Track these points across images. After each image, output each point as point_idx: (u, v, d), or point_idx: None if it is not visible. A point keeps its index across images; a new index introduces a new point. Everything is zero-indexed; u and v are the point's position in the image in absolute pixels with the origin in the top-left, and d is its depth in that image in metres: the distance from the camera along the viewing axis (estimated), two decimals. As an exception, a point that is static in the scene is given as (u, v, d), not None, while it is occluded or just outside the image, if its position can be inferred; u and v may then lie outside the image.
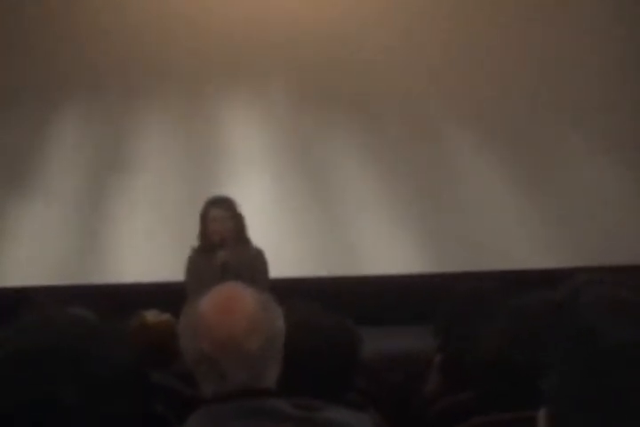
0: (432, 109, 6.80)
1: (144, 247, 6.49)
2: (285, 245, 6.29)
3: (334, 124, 6.75)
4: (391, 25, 6.77)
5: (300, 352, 1.96)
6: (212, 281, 2.01)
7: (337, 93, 6.72)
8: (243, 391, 1.64)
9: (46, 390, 1.20)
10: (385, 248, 6.61)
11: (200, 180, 6.51)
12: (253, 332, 1.66)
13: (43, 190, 6.63)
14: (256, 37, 6.72)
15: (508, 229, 6.66)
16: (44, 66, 6.70)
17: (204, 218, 4.68)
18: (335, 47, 6.71)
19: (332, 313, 2.29)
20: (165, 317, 2.91)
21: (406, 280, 6.41)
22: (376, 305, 6.04)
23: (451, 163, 6.79)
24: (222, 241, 4.60)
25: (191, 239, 4.76)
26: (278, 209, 6.62)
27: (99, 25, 6.72)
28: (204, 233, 4.68)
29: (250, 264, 4.60)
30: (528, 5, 6.79)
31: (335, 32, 6.73)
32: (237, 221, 4.68)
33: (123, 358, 1.29)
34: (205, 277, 4.38)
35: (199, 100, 6.74)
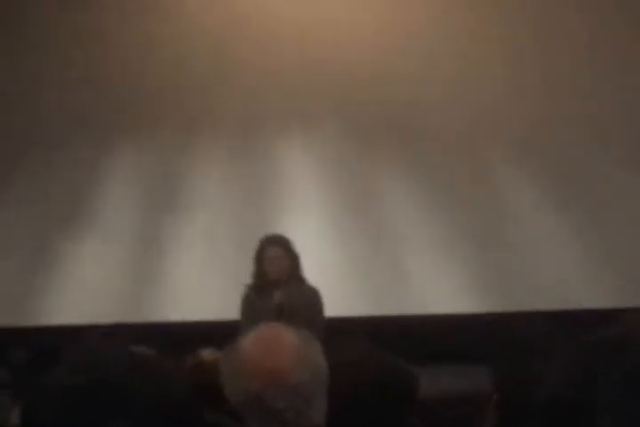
0: (486, 147, 6.78)
1: (199, 285, 6.52)
2: (340, 283, 6.28)
3: (389, 164, 6.76)
4: (442, 64, 6.79)
5: (354, 392, 1.95)
6: (267, 320, 2.02)
7: (392, 133, 6.75)
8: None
9: (97, 425, 1.22)
10: (440, 287, 6.57)
11: (255, 218, 6.54)
12: (298, 366, 1.65)
13: (99, 229, 6.70)
14: (311, 78, 6.78)
15: (563, 268, 6.57)
16: (98, 104, 6.81)
17: (260, 257, 4.69)
18: (389, 87, 6.75)
19: (387, 353, 2.28)
20: (219, 353, 2.93)
21: (461, 319, 6.35)
22: (431, 344, 5.99)
23: (506, 201, 6.75)
24: (277, 280, 4.62)
25: (245, 278, 4.78)
26: (333, 248, 6.62)
27: (155, 63, 6.83)
28: (260, 272, 4.69)
29: (305, 304, 4.60)
30: (578, 46, 6.78)
31: (394, 74, 6.77)
32: (292, 260, 4.69)
33: (176, 394, 1.30)
34: (260, 316, 4.39)
35: (255, 140, 6.80)
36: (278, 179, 6.78)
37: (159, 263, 6.65)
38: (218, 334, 3.77)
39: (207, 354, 2.91)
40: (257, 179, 6.77)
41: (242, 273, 4.83)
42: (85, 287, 6.58)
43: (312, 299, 4.67)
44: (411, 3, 6.89)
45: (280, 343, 1.68)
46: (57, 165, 6.80)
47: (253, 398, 1.64)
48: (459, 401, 2.58)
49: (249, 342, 1.71)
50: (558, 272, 6.56)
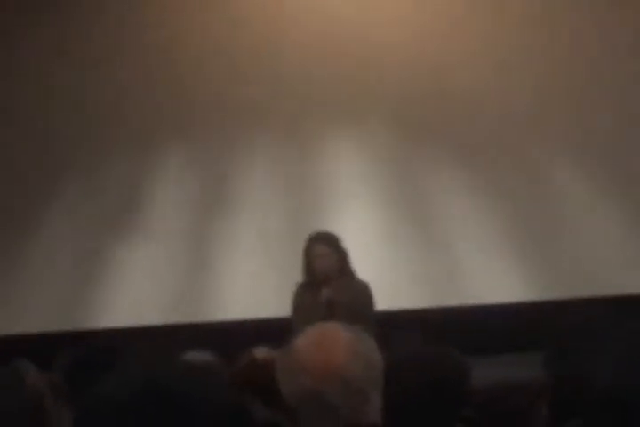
0: (529, 136, 6.74)
1: (251, 284, 6.55)
2: (390, 278, 6.28)
3: (435, 157, 6.74)
4: (487, 56, 6.76)
5: (406, 385, 1.96)
6: (318, 317, 2.04)
7: (438, 126, 6.72)
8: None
9: None
10: (489, 276, 6.54)
11: (302, 215, 6.56)
12: (353, 363, 1.66)
13: (150, 232, 6.76)
14: (354, 72, 6.77)
15: (616, 253, 6.50)
16: (143, 106, 6.86)
17: (308, 254, 4.71)
18: (433, 79, 6.73)
19: (439, 345, 2.28)
20: (274, 353, 2.95)
21: (512, 308, 6.32)
22: (485, 334, 5.96)
23: (552, 188, 6.70)
24: (327, 277, 4.63)
25: (297, 275, 4.80)
26: (382, 242, 6.62)
27: (198, 64, 6.88)
28: (309, 269, 4.71)
29: (356, 299, 4.60)
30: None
31: (434, 64, 6.74)
32: (341, 257, 4.70)
33: (223, 399, 1.32)
34: (311, 313, 4.41)
35: (302, 137, 6.81)
36: (326, 176, 6.79)
37: (211, 264, 6.70)
38: (271, 332, 3.81)
39: (260, 353, 2.94)
40: (305, 176, 6.78)
41: (293, 271, 4.86)
42: (138, 290, 6.64)
43: (363, 294, 4.68)
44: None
45: (334, 341, 1.70)
46: (105, 170, 6.86)
47: (309, 396, 1.65)
48: (512, 392, 2.57)
49: (304, 341, 1.73)
50: (611, 257, 6.48)
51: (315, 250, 4.68)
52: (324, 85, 6.79)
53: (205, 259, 6.72)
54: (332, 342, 1.69)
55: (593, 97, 6.72)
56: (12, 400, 1.92)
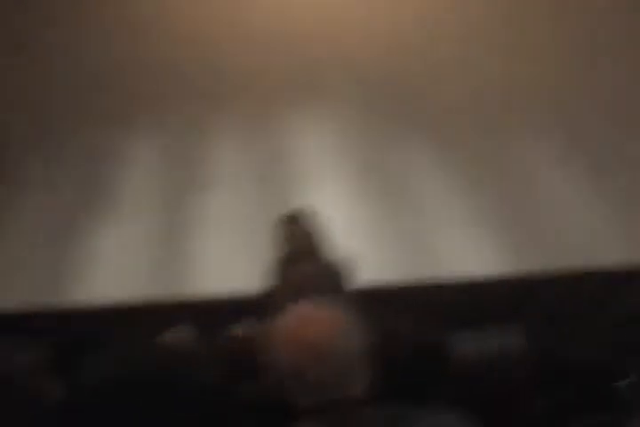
0: (504, 106, 6.75)
1: (225, 262, 6.56)
2: (367, 252, 6.28)
3: (407, 136, 6.74)
4: (465, 35, 6.76)
5: (390, 360, 1.96)
6: (296, 294, 2.04)
7: (411, 102, 6.72)
8: (336, 401, 1.65)
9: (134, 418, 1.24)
10: (466, 248, 6.56)
11: (277, 193, 6.56)
12: (337, 339, 1.69)
13: (122, 211, 6.75)
14: (325, 49, 6.76)
15: (596, 223, 6.54)
16: (113, 87, 6.81)
17: (281, 233, 4.73)
18: (406, 60, 6.72)
19: (419, 319, 2.28)
20: (255, 329, 2.95)
21: (492, 282, 6.35)
22: (463, 309, 5.99)
23: (530, 163, 6.72)
24: (301, 254, 4.63)
25: (270, 253, 4.80)
26: (357, 218, 6.63)
27: (167, 43, 6.82)
28: (283, 247, 4.72)
29: (332, 274, 4.60)
30: None
31: (406, 44, 6.73)
32: (314, 234, 4.71)
33: (210, 379, 1.32)
34: (289, 290, 4.40)
35: (270, 113, 6.80)
36: (297, 152, 6.79)
37: (184, 242, 6.69)
38: (246, 308, 3.80)
39: (242, 330, 2.93)
40: (276, 153, 6.78)
41: (267, 249, 4.85)
42: (112, 269, 6.64)
43: (339, 269, 4.68)
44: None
45: (318, 317, 1.72)
46: (75, 149, 6.83)
47: (294, 372, 1.66)
48: (494, 364, 2.58)
49: (287, 317, 1.75)
50: (588, 230, 6.53)
51: (287, 228, 4.70)
52: (292, 60, 6.76)
53: (178, 237, 6.71)
54: (316, 318, 1.71)
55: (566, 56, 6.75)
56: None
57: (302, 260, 4.61)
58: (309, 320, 1.72)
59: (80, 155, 6.82)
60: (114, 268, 6.64)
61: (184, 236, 6.70)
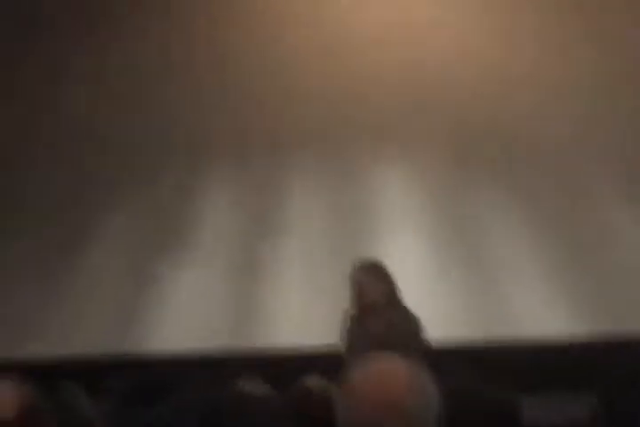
0: (581, 166, 6.65)
1: (299, 311, 6.52)
2: (439, 308, 6.21)
3: (483, 185, 6.68)
4: (536, 82, 6.70)
5: (461, 420, 1.93)
6: (368, 348, 2.03)
7: (484, 154, 6.67)
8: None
9: None
10: (537, 307, 6.43)
11: (352, 243, 6.53)
12: (413, 397, 1.65)
13: (196, 256, 6.76)
14: (401, 98, 6.74)
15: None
16: (193, 129, 6.87)
17: (355, 283, 4.69)
18: (479, 106, 6.69)
19: (491, 379, 2.25)
20: (329, 385, 2.91)
21: (564, 344, 6.20)
22: (535, 371, 5.86)
23: (604, 220, 6.59)
24: (374, 306, 4.59)
25: (343, 303, 4.77)
26: (428, 271, 6.57)
27: (240, 82, 6.86)
28: (356, 298, 4.69)
29: (405, 329, 4.56)
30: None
31: (479, 92, 6.70)
32: (388, 286, 4.66)
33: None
34: (361, 344, 4.38)
35: (350, 163, 6.78)
36: (374, 203, 6.76)
37: (258, 290, 6.68)
38: (321, 360, 3.79)
39: (314, 383, 2.91)
40: (353, 203, 6.75)
41: (340, 299, 4.83)
42: (185, 315, 6.65)
43: (412, 324, 4.63)
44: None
45: (393, 373, 1.70)
46: (151, 193, 6.88)
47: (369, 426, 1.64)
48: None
49: (362, 373, 1.72)
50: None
51: (360, 278, 4.66)
52: (373, 108, 6.74)
53: (251, 285, 6.71)
54: (391, 375, 1.69)
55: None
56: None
57: (375, 313, 4.58)
58: (385, 377, 1.68)
59: (155, 200, 6.87)
60: (185, 315, 6.63)
61: (258, 283, 6.70)
